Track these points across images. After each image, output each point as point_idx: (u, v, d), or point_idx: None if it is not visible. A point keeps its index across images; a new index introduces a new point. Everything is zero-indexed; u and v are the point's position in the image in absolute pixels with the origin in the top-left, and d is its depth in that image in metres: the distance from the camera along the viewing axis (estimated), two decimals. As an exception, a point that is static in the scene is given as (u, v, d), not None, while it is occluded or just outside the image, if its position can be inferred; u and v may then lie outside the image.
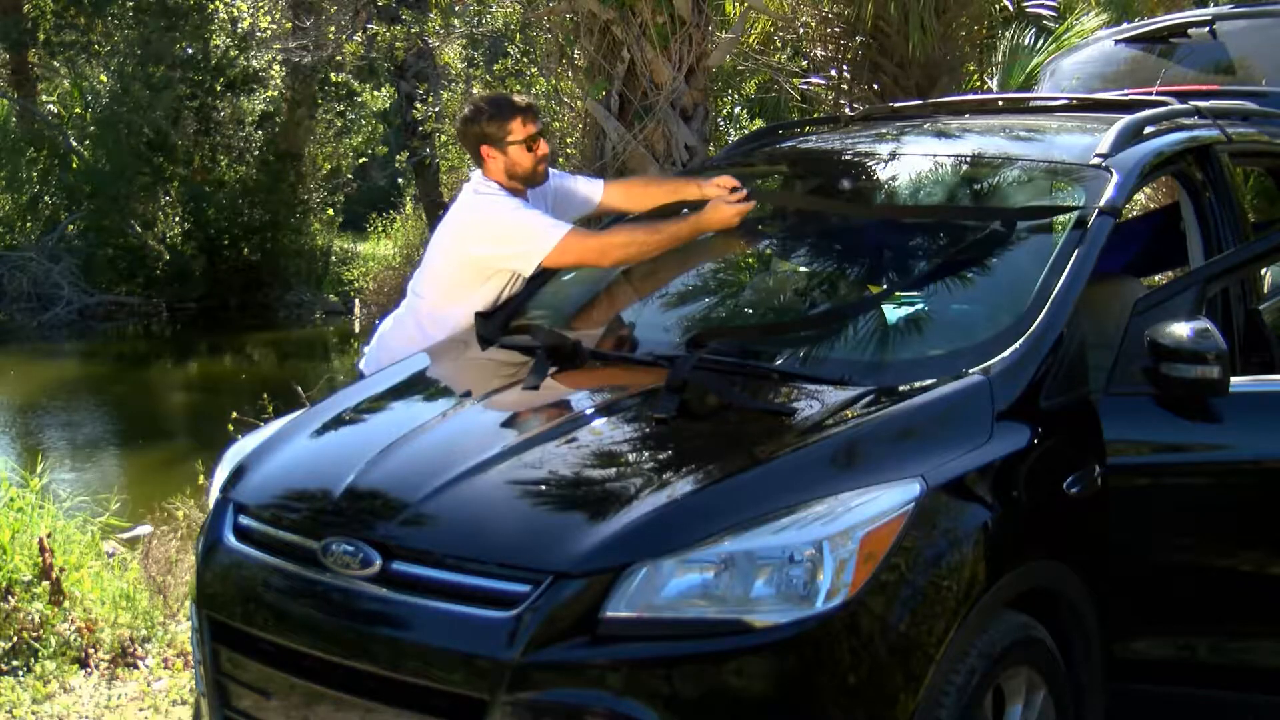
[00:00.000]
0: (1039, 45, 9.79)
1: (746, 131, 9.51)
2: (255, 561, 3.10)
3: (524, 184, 4.17)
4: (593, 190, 4.41)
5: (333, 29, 18.60)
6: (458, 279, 4.14)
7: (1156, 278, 5.36)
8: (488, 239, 4.08)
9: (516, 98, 4.28)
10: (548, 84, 9.92)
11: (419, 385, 3.73)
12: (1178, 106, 4.09)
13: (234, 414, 5.94)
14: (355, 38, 18.35)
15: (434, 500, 2.90)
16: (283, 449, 3.40)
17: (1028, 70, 9.42)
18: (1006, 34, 10.14)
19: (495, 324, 3.95)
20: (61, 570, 4.97)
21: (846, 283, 3.88)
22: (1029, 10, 10.24)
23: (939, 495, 2.84)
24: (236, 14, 19.09)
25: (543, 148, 4.16)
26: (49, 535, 5.05)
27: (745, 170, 4.62)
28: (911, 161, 4.14)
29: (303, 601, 2.96)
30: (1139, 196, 7.79)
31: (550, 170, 4.36)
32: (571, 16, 8.00)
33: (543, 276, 4.20)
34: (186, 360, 17.23)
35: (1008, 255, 3.63)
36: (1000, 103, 5.41)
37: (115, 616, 4.93)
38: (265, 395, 6.77)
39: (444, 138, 17.02)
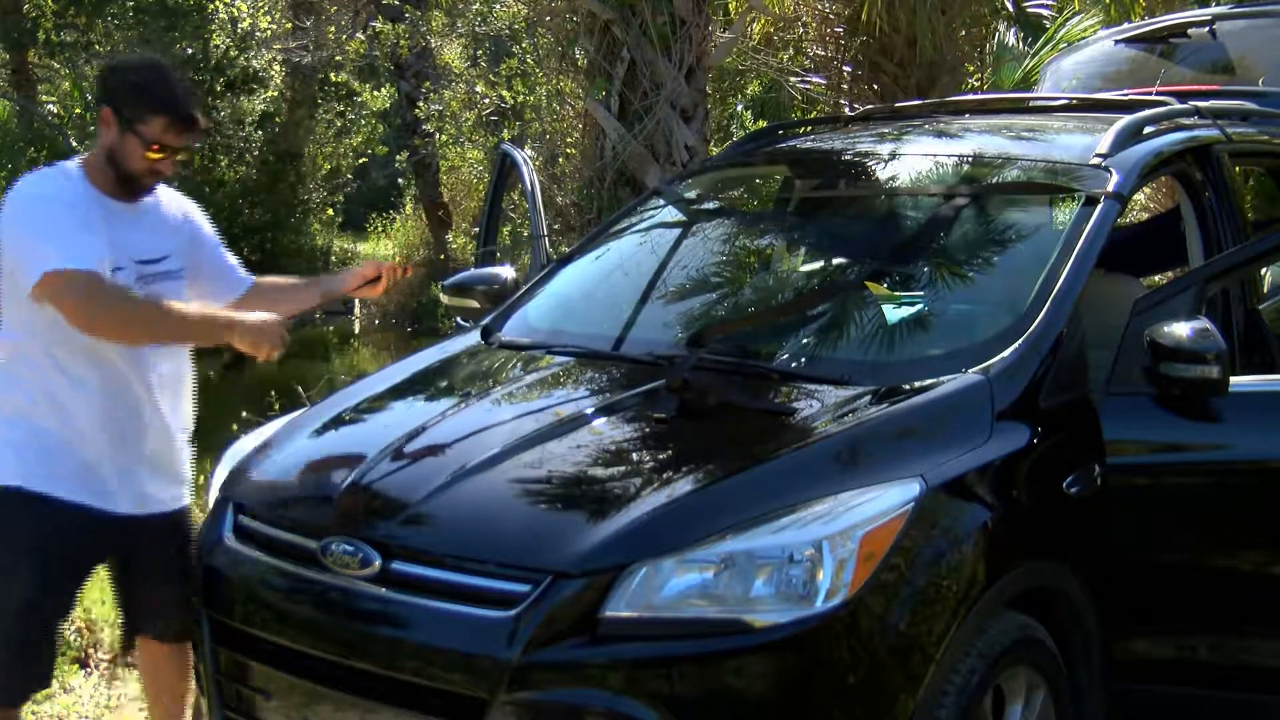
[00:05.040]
0: (1024, 46, 9.80)
1: (749, 131, 9.52)
2: (255, 561, 3.10)
3: (116, 185, 3.24)
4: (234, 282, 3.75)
5: (333, 29, 18.59)
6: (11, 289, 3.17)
7: (1156, 278, 5.36)
8: (11, 233, 3.13)
9: (191, 105, 3.28)
10: (548, 84, 9.92)
11: (419, 385, 3.72)
12: (1178, 106, 4.09)
13: (234, 414, 5.94)
14: (358, 35, 18.34)
15: (433, 500, 2.90)
16: (283, 449, 3.40)
17: (1022, 69, 9.43)
18: (993, 34, 10.17)
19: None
20: (61, 570, 4.96)
21: (846, 282, 3.87)
22: (1030, 11, 10.25)
23: (939, 495, 2.84)
24: (236, 14, 19.07)
25: (165, 168, 3.26)
26: (49, 535, 5.04)
27: (745, 170, 4.63)
28: (912, 161, 4.14)
29: (302, 601, 2.96)
30: (1138, 197, 7.79)
31: (205, 236, 3.64)
32: (572, 16, 8.01)
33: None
34: (186, 360, 17.18)
35: (1007, 255, 3.63)
36: (1001, 103, 5.41)
37: (115, 616, 4.91)
38: (270, 394, 6.76)
39: (444, 138, 17.03)
